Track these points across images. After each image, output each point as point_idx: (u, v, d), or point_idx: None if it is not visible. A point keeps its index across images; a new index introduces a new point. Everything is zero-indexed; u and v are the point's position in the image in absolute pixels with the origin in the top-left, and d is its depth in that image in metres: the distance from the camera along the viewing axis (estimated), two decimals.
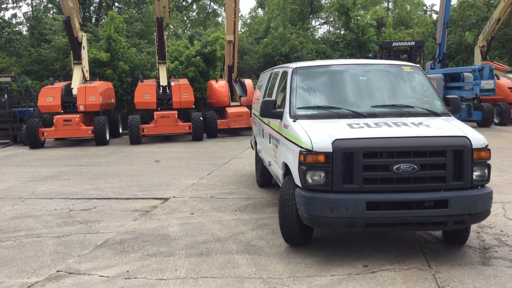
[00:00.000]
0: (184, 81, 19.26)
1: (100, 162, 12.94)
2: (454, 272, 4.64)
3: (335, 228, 5.10)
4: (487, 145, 4.95)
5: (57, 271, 4.98)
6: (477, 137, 4.90)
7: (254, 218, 6.75)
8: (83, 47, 19.30)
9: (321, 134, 4.93)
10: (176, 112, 17.84)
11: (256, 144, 8.98)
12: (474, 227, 6.03)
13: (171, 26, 35.53)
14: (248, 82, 20.73)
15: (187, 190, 8.85)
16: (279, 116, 5.95)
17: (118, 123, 20.37)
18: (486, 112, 19.17)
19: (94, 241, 5.97)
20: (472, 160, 4.77)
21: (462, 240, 5.41)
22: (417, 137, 4.84)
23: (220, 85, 20.00)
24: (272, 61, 26.94)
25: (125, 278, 4.72)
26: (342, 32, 32.37)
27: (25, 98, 20.32)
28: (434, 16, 33.31)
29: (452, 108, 5.81)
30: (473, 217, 4.78)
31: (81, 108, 17.56)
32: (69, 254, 5.50)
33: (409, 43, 18.51)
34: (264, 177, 8.55)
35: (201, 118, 17.89)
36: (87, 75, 19.72)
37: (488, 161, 4.92)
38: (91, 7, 33.37)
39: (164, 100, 18.30)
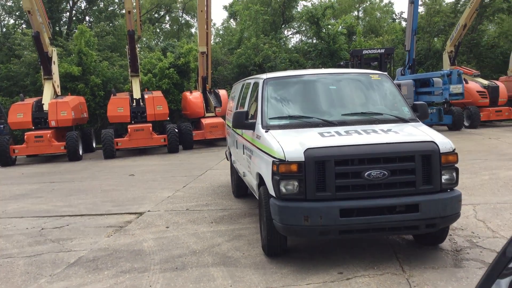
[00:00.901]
0: (158, 93, 19.15)
1: (73, 178, 12.72)
2: (428, 276, 4.70)
3: (310, 236, 5.18)
4: (454, 149, 5.07)
5: None
6: (444, 142, 5.02)
7: (230, 229, 6.73)
8: (53, 62, 19.04)
9: (293, 144, 4.97)
10: (150, 124, 17.70)
11: (230, 155, 8.98)
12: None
13: (144, 39, 35.36)
14: (222, 92, 20.76)
15: (163, 203, 8.77)
16: (252, 127, 5.97)
17: (91, 138, 20.10)
18: (456, 116, 19.58)
19: (67, 259, 5.85)
20: (440, 164, 4.87)
21: (441, 241, 5.51)
22: (387, 143, 4.93)
23: (194, 97, 19.98)
24: (246, 71, 27.04)
25: None
26: (313, 41, 32.77)
27: None
28: (403, 24, 34.02)
29: (420, 114, 5.92)
30: (444, 219, 4.89)
31: (53, 123, 17.27)
32: (40, 274, 5.37)
33: (379, 51, 18.85)
34: (239, 187, 8.55)
35: (176, 130, 17.79)
36: (58, 90, 19.44)
37: (455, 165, 5.03)
38: (61, 21, 33.00)
39: (138, 113, 18.14)
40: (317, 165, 4.74)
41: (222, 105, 19.60)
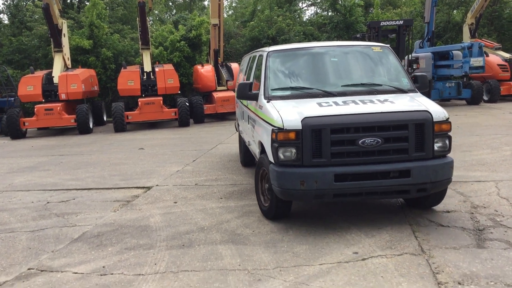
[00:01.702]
0: (168, 67, 18.79)
1: (82, 151, 12.55)
2: (449, 257, 4.39)
3: (306, 199, 5.48)
4: (448, 118, 5.23)
5: (28, 269, 4.66)
6: (437, 111, 5.22)
7: (240, 205, 6.47)
8: (64, 34, 18.74)
9: (291, 113, 5.19)
10: (161, 98, 17.41)
11: (238, 125, 9.11)
12: (467, 207, 5.82)
13: (156, 11, 34.81)
14: (234, 66, 20.29)
15: (171, 177, 8.54)
16: (255, 97, 6.19)
17: (102, 111, 19.95)
18: (476, 89, 18.99)
19: (70, 235, 5.65)
20: (433, 132, 5.09)
21: (434, 204, 5.79)
22: (381, 112, 5.13)
23: (206, 70, 19.58)
24: (259, 44, 26.45)
25: (101, 275, 4.42)
26: (329, 13, 31.91)
27: (5, 88, 19.73)
28: None
29: (420, 85, 6.08)
30: (435, 185, 5.12)
31: (63, 96, 17.09)
32: (42, 250, 5.18)
33: (397, 22, 18.11)
34: (246, 157, 8.77)
35: (187, 104, 17.49)
36: (68, 62, 19.18)
37: (449, 133, 5.23)
38: None
39: (148, 86, 17.86)
40: (313, 133, 4.98)
41: (234, 79, 19.19)
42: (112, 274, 4.42)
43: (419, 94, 5.85)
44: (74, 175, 9.32)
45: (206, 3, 45.15)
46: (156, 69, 18.03)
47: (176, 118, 17.42)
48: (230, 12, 37.83)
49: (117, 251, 5.01)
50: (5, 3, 34.44)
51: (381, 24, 18.08)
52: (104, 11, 24.55)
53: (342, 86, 5.91)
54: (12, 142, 15.90)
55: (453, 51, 19.54)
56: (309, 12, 42.86)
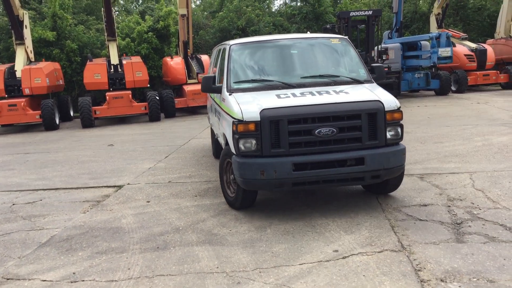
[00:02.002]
0: (137, 59, 18.32)
1: (49, 149, 12.11)
2: (429, 252, 4.35)
3: (267, 189, 5.52)
4: (399, 107, 5.46)
5: None
6: (389, 100, 5.44)
7: (216, 203, 6.30)
8: (25, 26, 18.01)
9: (251, 105, 5.37)
10: (129, 92, 16.98)
11: (209, 119, 9.22)
12: (443, 200, 5.83)
13: (121, 1, 33.99)
14: (205, 58, 19.95)
15: (143, 175, 8.29)
16: (219, 90, 6.36)
17: (68, 106, 19.36)
18: (444, 80, 19.26)
19: (38, 239, 5.38)
20: (385, 121, 5.31)
21: (392, 189, 6.07)
22: (335, 103, 5.33)
23: (175, 62, 19.20)
24: (228, 35, 26.20)
25: (71, 282, 4.19)
26: (298, 4, 31.83)
27: None
28: None
29: (377, 75, 6.43)
30: (388, 171, 5.36)
31: (27, 91, 16.48)
32: (8, 256, 4.90)
33: (366, 13, 18.14)
34: (218, 149, 8.64)
35: (157, 98, 17.11)
36: (31, 55, 18.47)
37: (401, 122, 5.45)
38: None
39: (116, 79, 17.38)
40: (271, 124, 5.15)
41: (204, 71, 18.90)
42: (83, 281, 4.21)
43: (374, 84, 6.08)
44: (41, 174, 8.96)
45: None
46: (124, 62, 17.56)
47: (147, 113, 17.04)
48: (198, 2, 37.29)
49: (88, 255, 4.79)
50: None
51: (350, 15, 18.07)
52: (68, 1, 23.75)
53: (301, 77, 6.15)
54: None
55: (421, 42, 19.76)
56: (278, 3, 42.68)
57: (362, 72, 6.34)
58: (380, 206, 5.77)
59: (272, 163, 5.12)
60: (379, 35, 19.23)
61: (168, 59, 19.64)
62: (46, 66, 17.52)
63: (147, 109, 16.91)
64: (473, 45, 20.98)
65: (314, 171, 5.18)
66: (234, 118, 5.36)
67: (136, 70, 17.29)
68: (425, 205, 5.70)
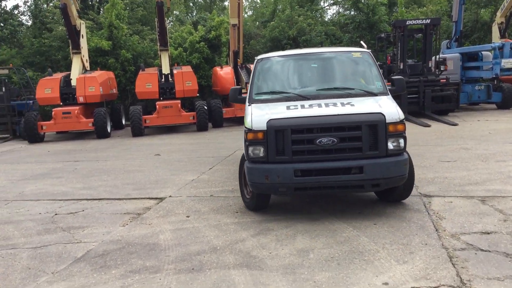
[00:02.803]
0: (187, 69, 18.43)
1: (98, 157, 12.26)
2: None
3: (271, 192, 5.98)
4: (402, 119, 5.65)
5: None
6: (391, 112, 5.63)
7: (257, 221, 5.99)
8: (82, 35, 18.57)
9: (261, 116, 5.79)
10: (179, 101, 17.06)
11: None
12: (508, 228, 5.23)
13: (176, 12, 34.62)
14: None
15: (186, 187, 8.11)
16: (243, 101, 6.74)
17: (120, 114, 19.71)
18: (507, 93, 18.11)
19: (74, 253, 5.25)
20: (386, 132, 5.51)
21: (401, 198, 6.29)
22: (337, 115, 5.62)
23: (225, 72, 19.15)
24: (279, 45, 25.99)
25: None
26: (351, 12, 31.17)
27: (24, 91, 19.66)
28: None
29: (396, 88, 6.66)
30: (388, 180, 5.56)
31: (81, 99, 16.90)
32: (42, 271, 4.79)
33: (424, 21, 17.34)
34: None
35: (206, 107, 17.09)
36: (87, 64, 18.99)
37: (404, 133, 5.65)
38: None
39: (166, 89, 17.54)
40: (276, 133, 5.58)
41: None
42: None
43: (387, 97, 6.24)
44: (87, 183, 8.98)
45: (226, 3, 44.88)
46: (174, 71, 17.69)
47: (195, 122, 17.04)
48: (250, 13, 37.41)
49: (121, 274, 4.59)
50: (26, 3, 34.57)
51: (407, 23, 17.35)
52: (123, 12, 24.36)
53: (317, 90, 6.42)
54: (30, 147, 15.76)
55: (482, 52, 18.70)
56: (331, 12, 42.17)
57: (378, 84, 6.52)
58: (436, 232, 5.25)
59: (276, 169, 5.56)
60: (437, 44, 18.36)
61: (218, 68, 19.63)
62: (100, 75, 17.92)
63: (195, 118, 16.91)
64: None
65: (315, 178, 5.52)
66: (246, 127, 5.86)
67: (186, 80, 17.36)
68: (488, 233, 5.12)
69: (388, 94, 6.34)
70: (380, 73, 6.68)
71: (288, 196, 6.81)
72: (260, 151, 5.66)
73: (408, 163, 5.72)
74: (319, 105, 5.87)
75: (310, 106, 5.89)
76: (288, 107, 5.92)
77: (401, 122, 5.63)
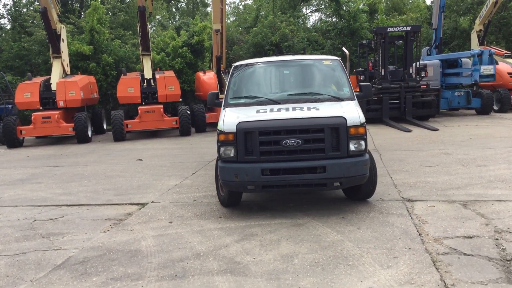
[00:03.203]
0: (169, 74, 18.32)
1: (78, 162, 12.06)
2: None
3: (240, 189, 6.28)
4: (363, 123, 6.00)
5: None
6: (353, 116, 5.97)
7: (240, 226, 5.94)
8: (62, 39, 18.32)
9: (232, 119, 6.15)
10: (161, 106, 16.94)
11: None
12: (490, 232, 5.27)
13: (158, 17, 34.46)
14: None
15: (168, 193, 8.02)
16: (220, 105, 7.03)
17: (102, 119, 19.50)
18: (486, 99, 18.45)
19: (54, 260, 5.13)
20: (347, 135, 5.86)
21: (366, 196, 6.67)
22: (301, 118, 5.98)
23: (208, 77, 19.13)
24: (262, 50, 26.07)
25: None
26: (333, 19, 31.46)
27: (3, 95, 19.30)
28: (428, 1, 32.45)
29: (364, 93, 7.12)
30: (349, 179, 5.92)
31: (61, 104, 16.66)
32: (21, 279, 4.66)
33: (404, 28, 17.58)
34: None
35: (189, 112, 17.00)
36: (67, 69, 18.73)
37: (364, 136, 6.00)
38: None
39: (149, 94, 17.40)
40: (245, 135, 5.93)
41: None
42: None
43: (353, 102, 6.61)
44: (67, 189, 8.82)
45: (209, 9, 44.87)
46: (157, 76, 17.57)
47: (177, 127, 16.92)
48: (233, 18, 37.43)
49: (102, 281, 4.49)
50: (5, 7, 34.02)
51: (388, 30, 17.57)
52: (105, 16, 24.14)
53: (288, 95, 6.83)
54: (9, 151, 15.45)
55: (462, 59, 19.01)
56: (313, 18, 42.43)
57: (346, 90, 6.92)
58: (420, 236, 5.27)
59: (245, 168, 5.90)
60: (418, 51, 18.61)
61: (200, 73, 19.59)
62: (81, 79, 17.70)
63: (178, 123, 16.80)
64: None
65: (281, 176, 5.86)
66: (218, 129, 6.21)
67: (168, 85, 17.26)
68: (470, 237, 5.16)
69: (354, 100, 6.72)
70: (348, 79, 7.09)
71: (256, 193, 7.02)
72: (231, 152, 6.00)
73: (368, 163, 6.08)
74: (287, 109, 6.25)
75: (279, 110, 6.27)
76: (258, 111, 6.30)
77: (362, 125, 5.98)
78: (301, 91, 6.97)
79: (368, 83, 7.10)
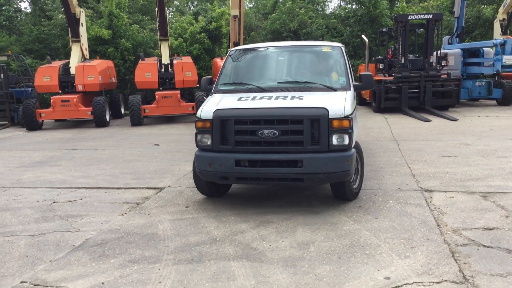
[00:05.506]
0: (187, 59, 18.29)
1: (97, 146, 12.18)
2: (495, 287, 3.79)
3: (214, 179, 5.98)
4: (347, 116, 5.54)
5: (21, 282, 4.22)
6: (336, 108, 5.55)
7: (257, 213, 5.94)
8: (82, 23, 18.40)
9: (211, 106, 5.94)
10: (178, 92, 16.96)
11: None
12: (511, 224, 5.18)
13: (176, 2, 34.38)
14: None
15: (185, 178, 8.06)
16: (210, 91, 6.83)
17: (119, 104, 19.61)
18: (507, 89, 18.06)
19: (72, 241, 5.20)
20: (329, 128, 5.47)
21: (351, 196, 6.17)
22: (280, 108, 5.65)
23: None
24: (280, 37, 25.87)
25: None
26: (353, 6, 31.01)
27: (23, 78, 19.52)
28: None
29: (364, 84, 6.62)
30: (328, 175, 5.51)
31: (80, 88, 16.77)
32: (40, 259, 4.74)
33: (426, 16, 17.23)
34: None
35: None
36: (86, 53, 18.84)
37: (349, 130, 5.54)
38: None
39: (166, 79, 17.42)
40: (221, 123, 5.70)
41: None
42: None
43: (347, 92, 6.17)
44: (85, 172, 8.92)
45: None
46: (174, 62, 17.57)
47: (194, 113, 16.94)
48: (251, 4, 37.16)
49: (120, 263, 4.54)
50: None
51: (409, 18, 17.24)
52: (124, 1, 24.16)
53: (278, 83, 6.50)
54: (28, 134, 15.66)
55: (484, 48, 18.62)
56: (332, 5, 41.86)
57: (342, 80, 6.51)
58: (438, 227, 5.21)
59: (218, 158, 5.70)
60: (439, 40, 18.26)
61: (218, 59, 19.51)
62: (99, 63, 17.79)
63: (194, 109, 16.82)
64: None
65: (255, 168, 5.62)
66: (196, 116, 6.02)
67: (186, 70, 17.25)
68: (490, 229, 5.09)
69: (350, 90, 6.29)
70: (347, 68, 6.70)
71: (231, 184, 6.76)
72: (208, 140, 5.83)
73: (352, 160, 5.63)
74: (269, 98, 5.95)
75: (261, 98, 5.98)
76: (240, 98, 6.06)
77: (346, 118, 5.53)
78: (293, 79, 6.61)
79: (368, 73, 6.72)
